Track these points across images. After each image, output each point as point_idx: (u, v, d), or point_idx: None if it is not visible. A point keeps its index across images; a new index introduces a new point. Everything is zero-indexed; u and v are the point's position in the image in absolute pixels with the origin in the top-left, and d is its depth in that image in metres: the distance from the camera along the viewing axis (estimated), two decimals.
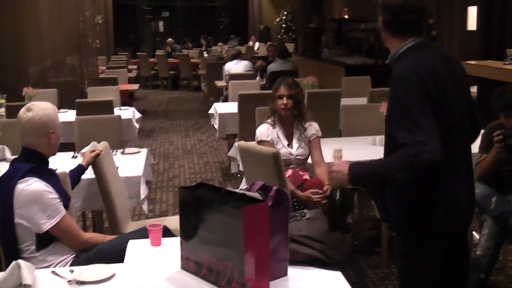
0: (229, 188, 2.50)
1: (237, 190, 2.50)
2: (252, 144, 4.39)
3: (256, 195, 2.42)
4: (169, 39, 19.22)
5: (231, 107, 7.57)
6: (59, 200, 3.08)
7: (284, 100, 4.44)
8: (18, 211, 3.00)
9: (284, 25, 22.40)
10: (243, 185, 4.43)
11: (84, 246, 3.19)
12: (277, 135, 4.48)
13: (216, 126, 7.56)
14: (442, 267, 2.68)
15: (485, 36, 10.24)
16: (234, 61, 11.05)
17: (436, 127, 2.38)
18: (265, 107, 5.94)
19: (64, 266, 3.04)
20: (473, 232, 4.42)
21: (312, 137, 4.52)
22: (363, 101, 7.10)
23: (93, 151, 3.88)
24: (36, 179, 3.04)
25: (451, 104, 2.53)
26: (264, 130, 4.49)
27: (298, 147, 4.47)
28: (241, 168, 4.76)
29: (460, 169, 2.64)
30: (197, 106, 13.85)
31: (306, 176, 4.44)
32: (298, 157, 4.46)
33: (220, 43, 20.77)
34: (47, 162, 3.23)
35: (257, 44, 20.33)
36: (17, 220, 3.01)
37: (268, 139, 4.44)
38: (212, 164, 8.31)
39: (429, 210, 2.56)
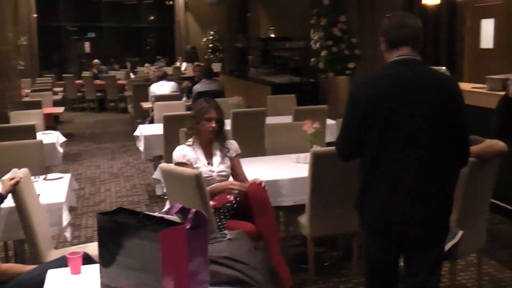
0: (147, 212, 2.48)
1: (156, 214, 2.48)
2: (174, 166, 4.38)
3: (175, 218, 2.42)
4: (96, 61, 18.99)
5: (157, 128, 7.52)
6: None
7: (213, 124, 4.49)
8: None
9: (211, 45, 22.46)
10: (167, 207, 4.40)
11: (1, 278, 3.10)
12: (196, 155, 4.50)
13: (141, 148, 7.51)
14: (375, 261, 3.13)
15: None
16: (160, 82, 11.01)
17: (352, 136, 2.98)
18: None
19: None
20: None
21: (233, 155, 4.60)
22: (288, 119, 7.19)
23: (12, 179, 3.79)
24: None
25: (387, 119, 2.84)
26: (180, 153, 4.51)
27: (219, 164, 4.53)
28: (165, 190, 4.74)
29: (397, 180, 2.87)
30: (124, 128, 13.71)
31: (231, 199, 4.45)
32: (220, 173, 4.51)
33: (147, 64, 20.62)
34: None
35: (184, 65, 20.30)
36: None
37: (185, 160, 4.46)
38: (139, 186, 8.23)
39: (359, 203, 3.04)
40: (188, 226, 2.34)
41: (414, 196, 2.88)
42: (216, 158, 4.57)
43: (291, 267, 5.01)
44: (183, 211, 2.48)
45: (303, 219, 4.64)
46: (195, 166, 4.43)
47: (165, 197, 6.50)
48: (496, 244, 5.50)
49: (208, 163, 4.52)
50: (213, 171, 4.49)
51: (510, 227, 6.00)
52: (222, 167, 4.54)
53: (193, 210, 2.45)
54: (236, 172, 4.64)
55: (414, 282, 3.06)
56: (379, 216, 2.95)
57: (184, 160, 4.45)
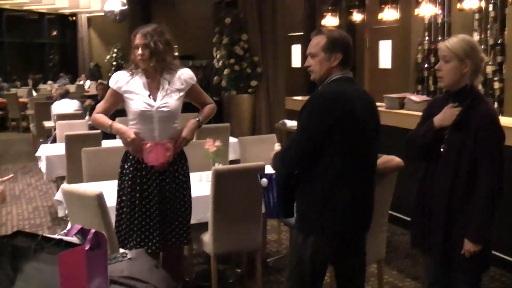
0: (46, 235, 2.49)
1: (55, 236, 2.49)
2: (75, 186, 4.36)
3: (74, 239, 2.43)
4: None
5: (59, 148, 7.41)
6: None
7: (140, 51, 4.06)
8: None
9: (114, 63, 22.23)
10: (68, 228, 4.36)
11: None
12: (134, 84, 4.12)
13: (43, 169, 7.38)
14: (320, 265, 3.42)
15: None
16: (63, 101, 10.84)
17: (310, 144, 3.22)
18: (93, 148, 5.95)
19: None
20: None
21: (187, 88, 4.27)
22: None
23: None
24: None
25: (356, 131, 3.21)
26: (115, 78, 4.16)
27: (162, 98, 4.11)
28: (67, 211, 4.71)
29: (358, 180, 3.29)
30: (26, 148, 13.36)
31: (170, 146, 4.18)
32: (161, 109, 4.10)
33: (49, 82, 20.21)
34: None
35: (88, 83, 20.04)
36: None
37: (115, 87, 4.13)
38: (42, 208, 8.07)
39: (319, 208, 3.25)
40: (87, 247, 2.37)
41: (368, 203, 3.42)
42: (162, 92, 4.13)
43: (195, 285, 5.09)
44: (82, 232, 2.50)
45: (206, 237, 4.71)
46: (128, 96, 4.10)
47: (68, 218, 6.44)
48: (396, 254, 5.76)
49: (149, 95, 4.11)
50: (152, 105, 4.08)
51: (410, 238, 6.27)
52: (164, 102, 4.11)
53: (93, 230, 2.47)
54: (198, 102, 4.44)
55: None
56: (342, 220, 3.27)
57: (114, 87, 4.13)
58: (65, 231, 2.57)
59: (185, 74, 4.27)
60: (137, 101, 4.07)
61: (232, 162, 7.05)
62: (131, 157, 4.15)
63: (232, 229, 4.66)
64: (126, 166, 4.19)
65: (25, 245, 2.39)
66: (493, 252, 3.60)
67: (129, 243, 4.12)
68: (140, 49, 4.05)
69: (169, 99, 4.14)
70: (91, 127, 8.45)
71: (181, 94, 4.22)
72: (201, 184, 5.05)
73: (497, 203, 3.19)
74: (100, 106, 4.28)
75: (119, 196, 4.21)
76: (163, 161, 4.14)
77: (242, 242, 4.76)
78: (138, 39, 4.08)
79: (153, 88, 4.14)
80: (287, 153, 3.36)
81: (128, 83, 4.11)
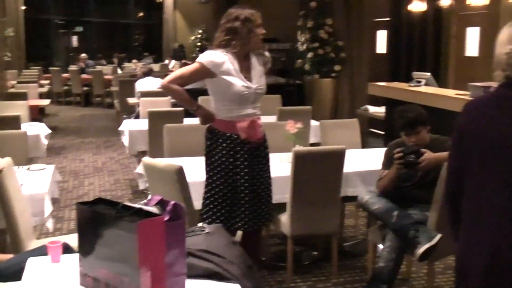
0: (127, 203, 2.51)
1: (134, 205, 2.52)
2: (156, 160, 4.40)
3: (153, 209, 2.45)
4: (83, 55, 18.97)
5: (142, 124, 7.56)
6: None
7: (263, 30, 4.08)
8: None
9: (199, 44, 22.45)
10: None
11: None
12: (233, 66, 4.04)
13: (126, 143, 7.53)
14: None
15: (393, 59, 10.65)
16: (146, 79, 11.01)
17: None
18: (175, 124, 6.02)
19: None
20: (378, 245, 4.58)
21: (268, 66, 4.27)
22: (272, 119, 7.23)
23: None
24: None
25: None
26: (212, 59, 4.02)
27: (256, 80, 4.11)
28: (147, 184, 4.77)
29: None
30: (110, 123, 13.70)
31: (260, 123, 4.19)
32: (257, 90, 4.10)
33: (134, 60, 20.63)
34: None
35: (172, 62, 20.31)
36: None
37: (210, 66, 4.00)
38: (123, 181, 8.25)
39: None
40: (166, 218, 2.38)
41: None
42: (255, 72, 4.12)
43: (271, 264, 5.08)
44: (162, 203, 2.51)
45: (284, 218, 4.69)
46: (225, 78, 4.03)
47: (148, 192, 6.54)
48: None
49: (245, 77, 4.08)
50: (249, 87, 4.06)
51: None
52: (260, 83, 4.13)
53: (172, 202, 2.48)
54: None
55: None
56: None
57: (209, 66, 4.00)
58: (145, 201, 2.59)
59: (267, 53, 4.27)
60: (236, 84, 4.02)
61: (312, 145, 6.99)
62: (221, 133, 4.12)
63: (310, 211, 4.62)
64: (218, 143, 4.14)
65: (106, 212, 2.43)
66: None
67: (214, 220, 4.08)
68: (262, 28, 4.07)
69: (261, 79, 4.15)
70: (174, 104, 8.57)
71: (265, 74, 4.24)
72: (281, 165, 5.01)
73: None
74: (180, 76, 4.12)
75: (208, 172, 4.18)
76: (259, 136, 4.15)
77: (319, 225, 4.72)
78: (260, 18, 4.08)
79: (244, 70, 4.09)
80: None
81: (225, 64, 4.02)
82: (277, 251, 5.45)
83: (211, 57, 4.03)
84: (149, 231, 2.25)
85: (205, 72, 4.04)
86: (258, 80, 4.12)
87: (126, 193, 7.61)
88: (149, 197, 4.43)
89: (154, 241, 2.28)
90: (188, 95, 4.17)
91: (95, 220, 2.44)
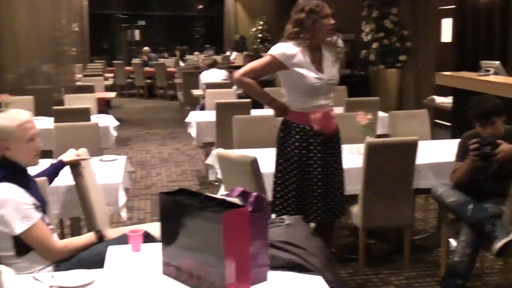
0: (209, 194, 2.52)
1: (217, 196, 2.52)
2: (229, 152, 4.41)
3: (236, 200, 2.45)
4: (146, 48, 19.20)
5: (208, 115, 7.61)
6: (33, 207, 3.06)
7: (332, 20, 3.98)
8: None
9: (260, 35, 22.47)
10: (221, 192, 4.41)
11: (58, 257, 3.13)
12: (304, 58, 3.98)
13: (193, 134, 7.59)
14: None
15: (459, 48, 10.43)
16: (211, 70, 11.09)
17: None
18: (243, 116, 6.03)
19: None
20: (450, 239, 4.49)
21: (341, 55, 4.19)
22: (339, 110, 7.16)
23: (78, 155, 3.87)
24: (9, 184, 3.03)
25: None
26: (284, 51, 3.98)
27: (328, 71, 4.03)
28: (219, 176, 4.78)
29: None
30: (173, 115, 13.85)
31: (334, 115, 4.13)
32: (330, 81, 4.04)
33: (196, 52, 20.79)
34: (22, 169, 3.19)
35: (234, 54, 20.38)
36: None
37: (282, 58, 3.97)
38: (189, 172, 8.33)
39: None
40: (249, 209, 2.37)
41: None
42: (327, 63, 4.05)
43: (342, 256, 5.04)
44: (244, 194, 2.51)
45: (355, 210, 4.65)
46: (297, 70, 3.99)
47: (216, 183, 6.59)
48: None
49: (316, 69, 4.02)
50: (321, 79, 3.99)
51: None
52: (332, 73, 4.05)
53: (254, 193, 2.48)
54: None
55: None
56: None
57: (281, 58, 3.97)
58: (226, 192, 2.59)
59: (340, 43, 4.18)
60: (308, 76, 3.97)
61: (379, 136, 6.89)
62: (294, 124, 4.09)
63: (382, 204, 4.56)
64: (291, 135, 4.11)
65: (189, 202, 2.44)
66: None
67: (287, 212, 4.06)
68: (331, 18, 3.98)
69: (333, 70, 4.08)
70: (239, 96, 8.60)
71: (338, 64, 4.16)
72: (351, 156, 4.96)
73: None
74: (252, 70, 4.11)
75: (280, 164, 4.14)
76: (333, 128, 4.11)
77: (391, 217, 4.65)
78: (329, 8, 4.00)
79: (316, 61, 4.03)
80: None
81: (296, 56, 3.97)
82: (347, 243, 5.40)
83: (282, 49, 4.00)
84: (234, 221, 2.25)
85: (277, 65, 4.02)
86: (330, 71, 4.05)
87: (194, 183, 7.67)
88: (221, 188, 4.51)
89: (239, 231, 2.27)
90: (261, 87, 4.17)
91: (178, 210, 2.45)
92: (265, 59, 4.14)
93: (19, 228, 2.99)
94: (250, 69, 4.11)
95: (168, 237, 2.53)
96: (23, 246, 3.05)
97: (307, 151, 4.03)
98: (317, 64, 4.02)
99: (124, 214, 4.59)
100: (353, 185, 4.60)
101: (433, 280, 4.63)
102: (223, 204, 2.40)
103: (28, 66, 9.89)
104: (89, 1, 19.65)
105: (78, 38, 16.30)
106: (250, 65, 4.17)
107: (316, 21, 3.96)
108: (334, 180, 4.12)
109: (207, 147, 7.74)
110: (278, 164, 4.14)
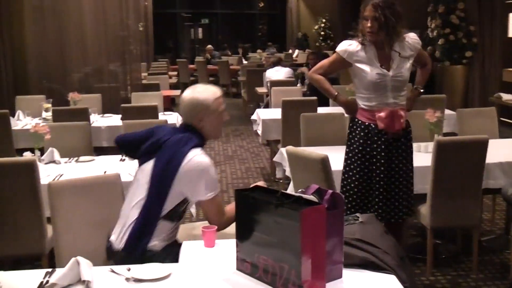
0: (285, 191, 2.54)
1: (293, 193, 2.54)
2: (300, 149, 4.43)
3: (312, 198, 2.47)
4: (209, 46, 19.40)
5: (274, 113, 7.65)
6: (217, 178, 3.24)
7: (369, 23, 3.94)
8: (181, 176, 3.09)
9: (322, 33, 22.40)
10: (290, 190, 4.44)
11: (226, 226, 3.26)
12: (366, 54, 4.01)
13: (259, 131, 7.63)
14: None
15: None
16: (275, 68, 11.12)
17: None
18: (311, 113, 6.04)
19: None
20: None
21: (416, 52, 4.15)
22: None
23: None
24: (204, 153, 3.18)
25: None
26: (345, 48, 4.07)
27: (395, 69, 4.01)
28: (287, 173, 4.80)
29: None
30: (237, 112, 13.93)
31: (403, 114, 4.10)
32: (396, 78, 4.01)
33: (259, 50, 20.88)
34: (205, 141, 3.36)
35: (296, 52, 20.38)
36: (175, 183, 3.10)
37: (345, 56, 4.05)
38: (254, 169, 8.38)
39: None
40: (326, 206, 2.39)
41: None
42: (394, 62, 4.02)
43: (409, 257, 4.98)
44: (319, 192, 2.53)
45: (424, 209, 4.59)
46: (359, 66, 4.04)
47: (281, 181, 6.61)
48: None
49: (381, 66, 4.01)
50: (385, 75, 3.98)
51: None
52: (398, 72, 4.01)
53: (330, 191, 2.50)
54: (420, 63, 4.34)
55: None
56: None
57: (344, 55, 4.05)
58: (301, 190, 2.61)
59: (412, 39, 4.13)
60: (370, 72, 3.99)
61: (445, 134, 6.80)
62: (359, 122, 4.11)
63: (451, 203, 4.49)
64: (356, 132, 4.13)
65: (265, 199, 2.47)
66: None
67: (349, 209, 4.06)
68: (369, 21, 3.93)
69: (402, 68, 4.04)
70: (304, 93, 8.61)
71: (411, 61, 4.12)
72: (419, 155, 4.91)
73: None
74: (321, 67, 4.23)
75: (346, 160, 4.18)
76: (398, 128, 4.07)
77: (460, 217, 4.57)
78: (368, 11, 3.95)
79: (383, 58, 4.02)
80: None
81: (359, 53, 4.02)
82: (414, 243, 5.35)
83: (345, 46, 4.09)
84: (311, 219, 2.27)
85: (341, 62, 4.11)
86: (398, 67, 4.02)
87: (259, 181, 7.66)
88: (290, 185, 4.53)
89: (316, 229, 2.29)
90: (329, 84, 4.22)
91: (254, 207, 2.48)
92: (332, 56, 4.27)
93: (204, 196, 3.15)
94: (319, 66, 4.26)
95: (243, 234, 2.57)
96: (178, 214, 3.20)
97: (371, 149, 4.04)
98: (384, 60, 4.02)
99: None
100: (421, 184, 4.55)
101: (502, 284, 4.55)
102: (300, 201, 2.42)
103: (95, 65, 10.09)
104: (153, 0, 19.94)
105: (142, 37, 16.56)
106: (320, 63, 4.31)
107: (360, 21, 4.04)
108: (398, 180, 4.10)
109: (272, 145, 7.77)
110: (344, 161, 4.17)
